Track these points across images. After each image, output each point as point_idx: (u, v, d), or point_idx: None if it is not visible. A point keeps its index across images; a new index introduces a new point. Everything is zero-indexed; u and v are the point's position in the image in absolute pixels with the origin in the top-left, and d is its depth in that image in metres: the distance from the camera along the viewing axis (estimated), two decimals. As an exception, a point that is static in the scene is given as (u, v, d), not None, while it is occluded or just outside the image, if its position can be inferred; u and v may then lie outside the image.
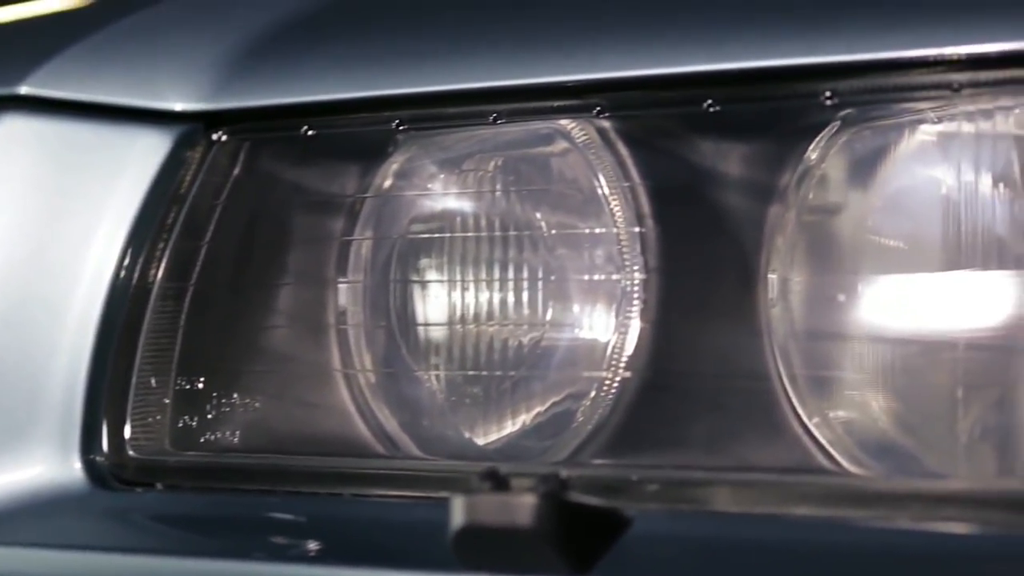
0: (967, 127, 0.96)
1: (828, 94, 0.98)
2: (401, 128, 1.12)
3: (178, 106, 1.15)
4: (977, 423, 0.95)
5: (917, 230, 0.97)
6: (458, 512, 0.92)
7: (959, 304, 0.96)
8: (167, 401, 1.15)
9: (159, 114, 1.15)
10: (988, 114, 0.95)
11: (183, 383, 1.16)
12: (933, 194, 0.97)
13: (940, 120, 0.97)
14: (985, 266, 0.95)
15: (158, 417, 1.15)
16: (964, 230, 0.95)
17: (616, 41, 1.03)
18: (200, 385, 1.16)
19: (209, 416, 1.16)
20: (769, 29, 0.98)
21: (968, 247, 0.95)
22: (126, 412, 1.14)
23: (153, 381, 1.15)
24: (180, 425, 1.16)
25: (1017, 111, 0.95)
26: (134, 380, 1.14)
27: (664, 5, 1.04)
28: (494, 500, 0.91)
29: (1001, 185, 0.95)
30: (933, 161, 0.97)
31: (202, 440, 1.16)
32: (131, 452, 1.14)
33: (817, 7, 0.98)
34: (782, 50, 0.97)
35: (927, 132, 0.98)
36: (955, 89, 0.94)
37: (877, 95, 0.97)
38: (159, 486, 1.14)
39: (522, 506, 0.91)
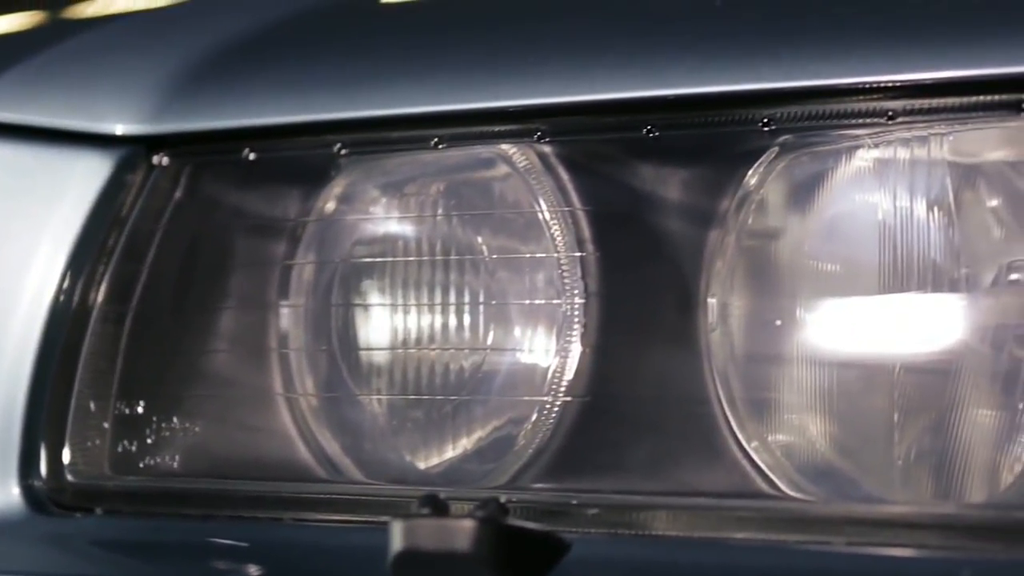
0: (902, 153, 0.97)
1: (765, 120, 0.99)
2: (343, 152, 1.12)
3: (119, 129, 1.14)
4: (913, 447, 0.96)
5: (854, 255, 0.98)
6: (397, 536, 0.92)
7: (895, 328, 0.97)
8: (106, 425, 1.15)
9: (100, 137, 1.14)
10: (923, 141, 0.96)
11: (123, 407, 1.15)
12: (870, 219, 0.98)
13: (876, 146, 0.98)
14: (921, 290, 0.96)
15: (97, 441, 1.15)
16: (900, 255, 0.96)
17: (556, 67, 1.04)
18: (140, 409, 1.15)
19: (149, 440, 1.15)
20: (707, 56, 0.99)
21: (904, 271, 0.96)
22: (65, 436, 1.13)
23: (92, 405, 1.14)
24: (120, 449, 1.15)
25: (951, 138, 0.96)
26: (73, 404, 1.13)
27: (603, 31, 1.05)
28: (433, 524, 0.92)
29: (936, 210, 0.96)
30: (870, 187, 0.98)
31: (142, 465, 1.15)
32: (70, 477, 1.13)
33: (754, 35, 0.99)
34: (720, 77, 0.98)
35: (864, 158, 0.99)
36: (891, 116, 0.95)
37: (814, 122, 0.98)
38: (98, 511, 1.13)
39: (461, 530, 0.91)
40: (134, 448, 1.15)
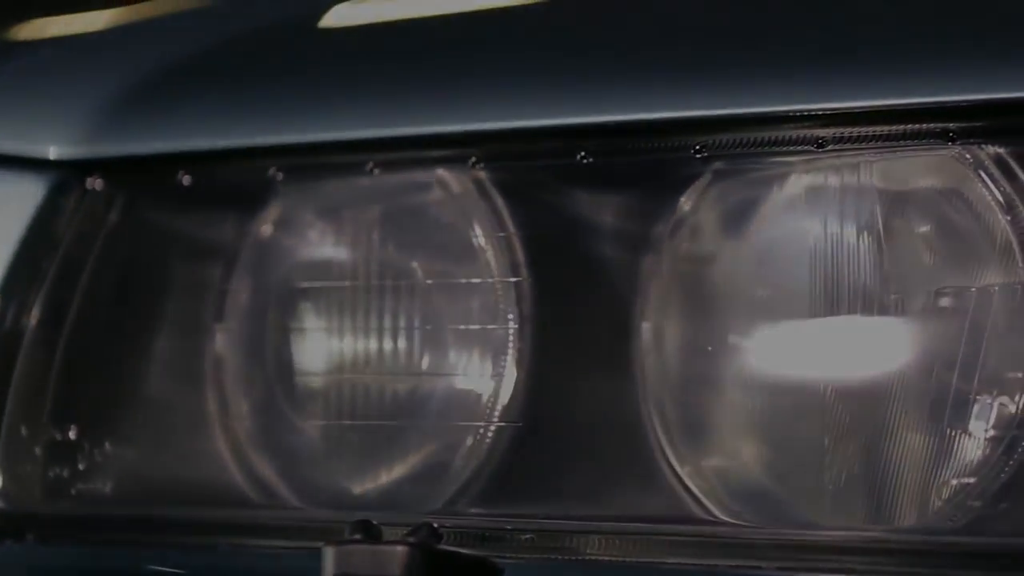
0: (833, 180, 0.98)
1: (699, 147, 0.99)
2: (279, 177, 1.12)
3: (52, 153, 1.14)
4: (844, 471, 0.97)
5: (786, 280, 0.99)
6: (329, 562, 0.92)
7: (827, 353, 0.98)
8: (38, 451, 1.14)
9: (33, 161, 1.14)
10: (853, 168, 0.97)
11: (55, 433, 1.14)
12: (801, 245, 0.98)
13: (808, 173, 0.99)
14: (851, 315, 0.97)
15: (29, 467, 1.14)
16: (831, 280, 0.97)
17: (491, 93, 1.04)
18: (72, 435, 1.15)
19: (82, 466, 1.15)
20: (641, 83, 1.00)
21: (835, 297, 0.97)
22: (-6, 462, 1.13)
23: (24, 430, 1.13)
24: (52, 475, 1.14)
25: (881, 165, 0.97)
26: (3, 429, 1.13)
27: (537, 58, 1.05)
28: (365, 550, 0.92)
29: (866, 236, 0.97)
30: (801, 213, 0.99)
31: (74, 491, 1.15)
32: (0, 503, 1.12)
33: (687, 63, 1.00)
34: (654, 104, 0.99)
35: (795, 185, 0.99)
36: (821, 144, 0.96)
37: (746, 149, 0.99)
38: (30, 538, 1.13)
39: (393, 556, 0.91)
40: (66, 474, 1.15)
